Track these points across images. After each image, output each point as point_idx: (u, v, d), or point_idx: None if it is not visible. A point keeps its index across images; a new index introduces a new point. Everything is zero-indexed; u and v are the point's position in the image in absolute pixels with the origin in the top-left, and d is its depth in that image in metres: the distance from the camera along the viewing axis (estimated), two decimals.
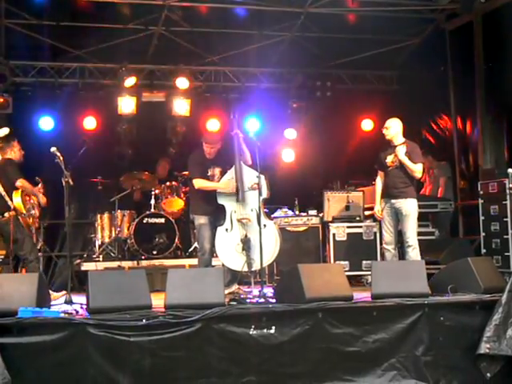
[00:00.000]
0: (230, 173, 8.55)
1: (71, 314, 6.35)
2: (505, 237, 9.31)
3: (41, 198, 8.91)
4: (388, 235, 8.88)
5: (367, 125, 13.63)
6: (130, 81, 12.24)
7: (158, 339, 6.04)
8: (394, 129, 8.93)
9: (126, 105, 12.54)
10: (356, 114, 13.70)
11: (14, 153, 8.91)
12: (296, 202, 11.10)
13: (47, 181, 9.08)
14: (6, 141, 9.01)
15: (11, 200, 8.52)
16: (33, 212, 8.76)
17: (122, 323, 5.98)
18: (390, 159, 8.90)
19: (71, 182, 7.44)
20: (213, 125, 13.09)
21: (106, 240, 11.36)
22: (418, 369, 6.69)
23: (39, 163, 9.48)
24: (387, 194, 8.92)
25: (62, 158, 7.43)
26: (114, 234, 11.35)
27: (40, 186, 9.03)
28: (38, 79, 12.42)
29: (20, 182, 8.65)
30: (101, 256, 11.16)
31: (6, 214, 8.47)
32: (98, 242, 11.39)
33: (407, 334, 6.72)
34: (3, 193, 8.52)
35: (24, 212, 8.52)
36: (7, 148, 8.90)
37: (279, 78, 13.71)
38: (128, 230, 11.30)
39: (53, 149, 7.41)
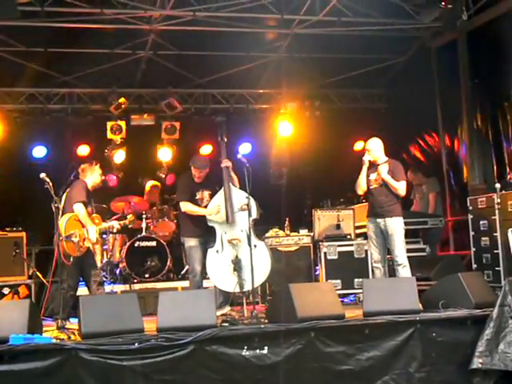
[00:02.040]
0: (217, 197, 8.58)
1: (63, 339, 6.34)
2: (495, 251, 9.32)
3: (91, 233, 8.22)
4: (376, 253, 8.89)
5: (355, 143, 13.70)
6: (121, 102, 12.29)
7: (150, 363, 6.03)
8: (375, 149, 8.95)
9: (116, 129, 12.56)
10: (345, 132, 13.74)
11: (94, 177, 8.64)
12: (287, 222, 11.11)
13: (39, 207, 9.02)
14: (89, 164, 8.81)
15: None
16: (75, 240, 8.07)
17: (115, 347, 5.96)
18: (373, 178, 8.93)
19: (61, 208, 7.44)
20: (206, 150, 13.17)
21: (98, 264, 11.32)
22: None
23: (31, 190, 9.44)
24: (373, 213, 8.94)
25: (51, 184, 7.43)
26: (105, 258, 11.33)
27: (113, 225, 8.90)
28: (27, 106, 12.47)
29: (77, 206, 8.20)
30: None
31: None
32: None
33: (400, 351, 6.72)
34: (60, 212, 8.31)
35: (63, 235, 7.97)
36: (88, 171, 8.63)
37: (267, 99, 13.78)
38: (120, 253, 11.29)
39: (42, 175, 7.42)
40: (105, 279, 11.22)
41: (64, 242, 7.95)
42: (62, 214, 7.98)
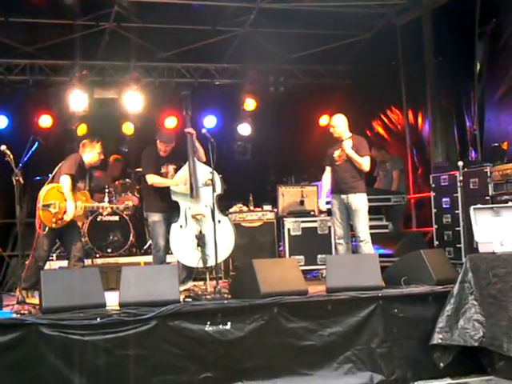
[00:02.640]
0: (183, 170, 8.54)
1: (24, 314, 6.27)
2: (456, 229, 9.42)
3: (69, 208, 7.96)
4: (340, 229, 8.94)
5: (319, 119, 13.72)
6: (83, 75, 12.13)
7: (112, 338, 5.99)
8: (339, 125, 8.99)
9: (78, 102, 12.40)
10: (309, 108, 13.76)
11: (92, 155, 8.45)
12: (251, 198, 11.09)
13: None
14: (90, 140, 8.62)
15: None
16: (52, 210, 7.88)
17: (76, 322, 5.91)
18: (337, 154, 8.95)
19: (21, 181, 7.32)
20: (170, 122, 13.06)
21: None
22: (373, 361, 6.74)
23: None
24: (337, 190, 8.97)
25: (11, 156, 7.31)
26: None
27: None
28: None
29: (64, 178, 8.03)
30: (54, 255, 11.02)
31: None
32: None
33: (362, 327, 6.77)
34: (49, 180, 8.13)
35: (40, 203, 7.87)
36: (88, 147, 8.44)
37: (232, 74, 13.71)
38: (82, 228, 11.17)
39: (2, 147, 7.27)
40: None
41: (40, 210, 7.87)
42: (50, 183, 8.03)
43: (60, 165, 8.28)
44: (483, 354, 6.75)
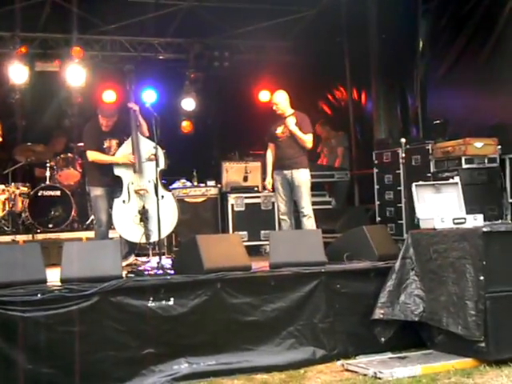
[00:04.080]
0: (126, 145, 8.44)
1: None
2: (398, 205, 9.53)
3: None
4: (283, 205, 8.96)
5: (264, 96, 13.67)
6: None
7: (53, 314, 5.91)
8: (282, 102, 8.97)
9: (18, 75, 12.15)
10: (253, 84, 13.74)
11: None
12: (194, 173, 11.05)
13: None
14: None
15: None
16: None
17: (16, 299, 5.81)
18: (280, 130, 8.94)
19: None
20: (109, 96, 12.87)
21: (0, 214, 11.04)
22: (316, 336, 6.79)
23: None
24: (279, 166, 8.97)
25: None
26: (7, 208, 11.02)
27: None
28: None
29: None
30: None
31: None
32: None
33: (305, 303, 6.80)
34: None
35: None
36: None
37: (177, 49, 13.59)
38: (22, 203, 11.00)
39: None
40: (6, 229, 10.92)
41: None
42: None
43: None
44: (423, 328, 6.85)
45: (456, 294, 6.46)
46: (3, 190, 11.01)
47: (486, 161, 8.72)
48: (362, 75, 11.85)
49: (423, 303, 6.78)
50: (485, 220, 6.99)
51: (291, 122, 8.82)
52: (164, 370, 6.22)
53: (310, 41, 13.04)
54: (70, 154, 11.76)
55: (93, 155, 8.49)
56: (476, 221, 6.84)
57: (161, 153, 8.19)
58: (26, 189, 11.06)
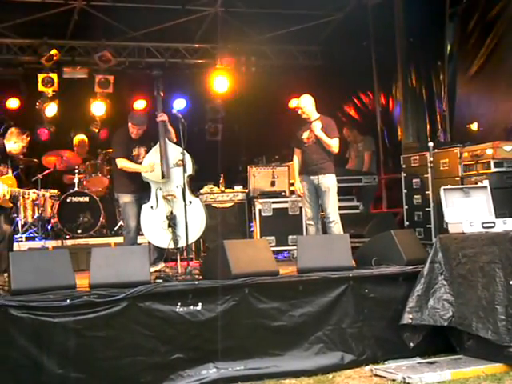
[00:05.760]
0: (153, 151, 8.47)
1: None
2: (426, 209, 9.47)
3: None
4: (310, 211, 8.93)
5: (291, 100, 13.66)
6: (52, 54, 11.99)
7: (82, 319, 5.94)
8: (308, 106, 8.90)
9: (47, 82, 12.27)
10: (281, 89, 13.72)
11: (17, 146, 8.05)
12: (221, 178, 11.07)
13: None
14: (21, 131, 8.07)
15: None
16: None
17: (46, 304, 5.85)
18: (306, 135, 8.90)
19: None
20: (140, 104, 12.98)
21: (29, 220, 11.14)
22: (344, 341, 6.76)
23: None
24: (306, 171, 8.93)
25: None
26: (36, 214, 11.12)
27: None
28: None
29: None
30: (24, 236, 10.95)
31: None
32: (20, 222, 11.16)
33: (333, 307, 6.78)
34: None
35: None
36: (15, 137, 8.03)
37: (203, 54, 13.63)
38: (51, 208, 11.09)
39: None
40: (36, 234, 11.03)
41: None
42: None
43: None
44: (452, 333, 6.81)
45: (486, 299, 6.41)
46: (32, 197, 11.05)
47: None
48: (389, 79, 11.82)
49: (452, 308, 6.73)
50: None
51: (317, 127, 8.77)
52: (192, 375, 6.24)
53: (337, 45, 13.04)
54: (98, 161, 11.85)
55: (121, 163, 8.52)
56: (506, 225, 6.78)
57: (188, 158, 8.22)
58: (55, 191, 11.11)
